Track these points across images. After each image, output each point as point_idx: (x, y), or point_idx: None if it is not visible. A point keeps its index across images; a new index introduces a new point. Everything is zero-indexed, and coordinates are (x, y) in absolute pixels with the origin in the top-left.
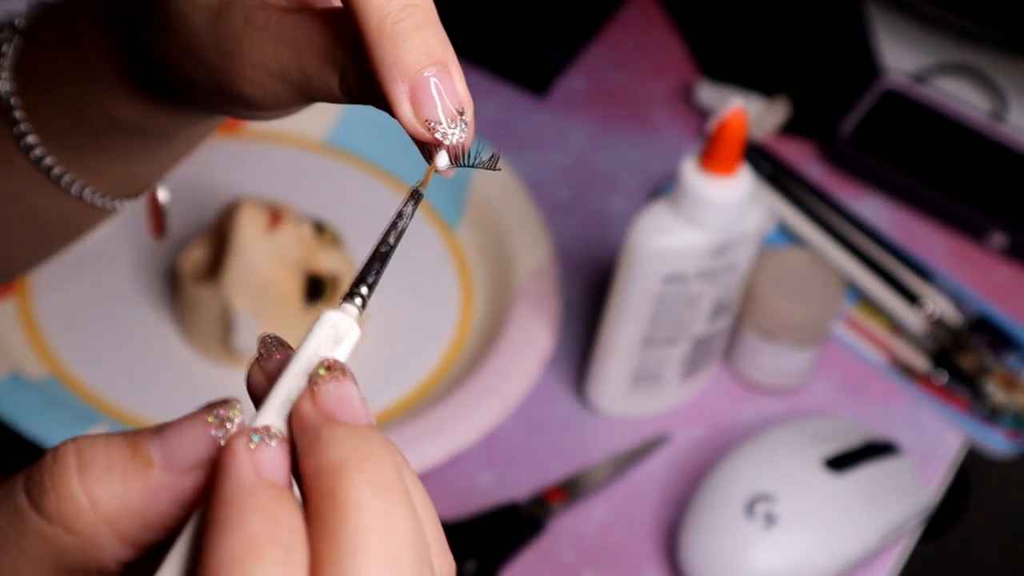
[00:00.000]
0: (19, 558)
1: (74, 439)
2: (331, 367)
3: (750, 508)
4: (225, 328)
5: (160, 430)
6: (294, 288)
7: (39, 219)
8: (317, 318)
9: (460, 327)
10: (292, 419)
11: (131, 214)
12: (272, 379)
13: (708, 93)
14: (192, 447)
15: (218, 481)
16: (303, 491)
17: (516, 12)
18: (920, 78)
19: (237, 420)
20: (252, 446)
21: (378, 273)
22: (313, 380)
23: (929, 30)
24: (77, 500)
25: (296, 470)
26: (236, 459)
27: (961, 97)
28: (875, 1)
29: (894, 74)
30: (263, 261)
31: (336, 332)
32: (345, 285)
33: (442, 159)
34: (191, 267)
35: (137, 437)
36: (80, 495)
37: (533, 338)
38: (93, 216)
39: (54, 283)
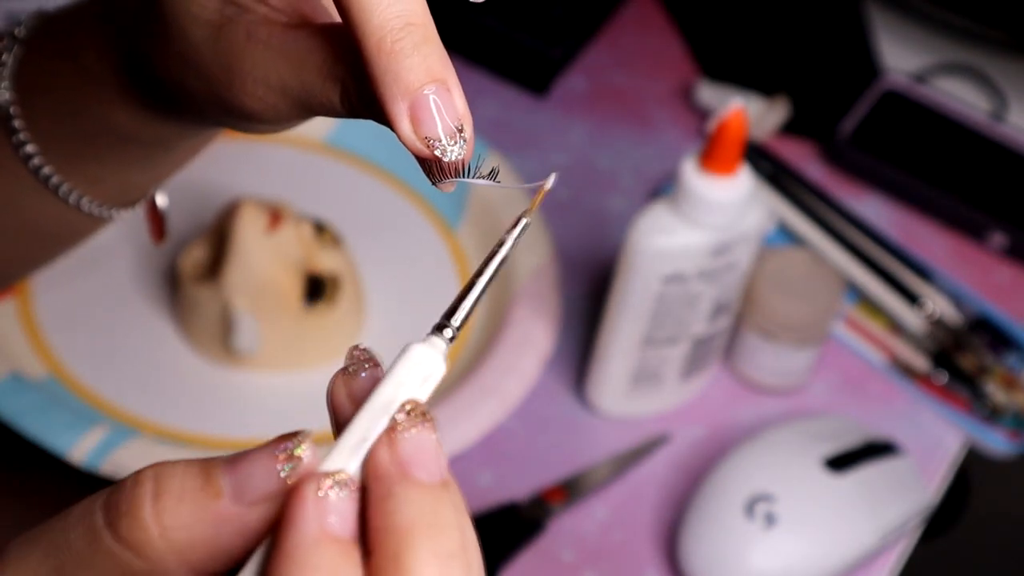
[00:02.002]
0: (90, 574)
1: (155, 465)
2: (413, 410)
3: (750, 508)
4: (225, 328)
5: (233, 460)
6: (294, 288)
7: (37, 226)
8: (403, 350)
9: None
10: (367, 464)
11: (131, 215)
12: (356, 402)
13: (708, 93)
14: (260, 480)
15: (283, 529)
16: (367, 541)
17: (516, 12)
18: (920, 78)
19: (306, 455)
20: (321, 492)
21: (473, 306)
22: (393, 424)
23: (929, 30)
24: (148, 527)
25: (363, 512)
26: (303, 508)
27: (961, 97)
28: (875, 1)
29: (894, 74)
30: (263, 261)
31: (422, 369)
32: (345, 286)
33: (550, 181)
34: (191, 267)
35: (211, 466)
36: (151, 523)
37: (533, 338)
38: (90, 224)
39: (54, 283)
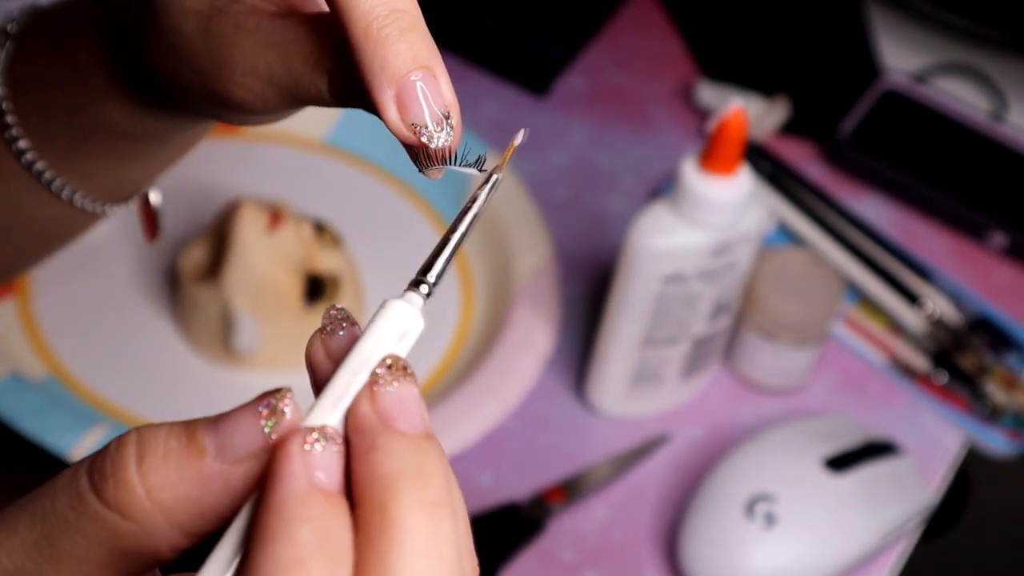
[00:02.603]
0: (77, 539)
1: (138, 427)
2: (393, 365)
3: (750, 508)
4: (225, 328)
5: (216, 419)
6: (294, 288)
7: (30, 223)
8: (381, 306)
9: (460, 327)
10: (349, 418)
11: (131, 214)
12: (335, 360)
13: (708, 93)
14: (243, 437)
15: (270, 484)
16: (353, 494)
17: (516, 12)
18: (920, 78)
19: (288, 410)
20: (307, 446)
21: (447, 261)
22: (373, 378)
23: (929, 30)
24: (133, 488)
25: (348, 467)
26: (290, 462)
27: (961, 97)
28: (875, 1)
29: (894, 74)
30: (263, 261)
31: (400, 324)
32: (345, 286)
33: (519, 137)
34: (191, 267)
35: (195, 426)
36: (136, 484)
37: (533, 338)
38: (83, 220)
39: (54, 283)
